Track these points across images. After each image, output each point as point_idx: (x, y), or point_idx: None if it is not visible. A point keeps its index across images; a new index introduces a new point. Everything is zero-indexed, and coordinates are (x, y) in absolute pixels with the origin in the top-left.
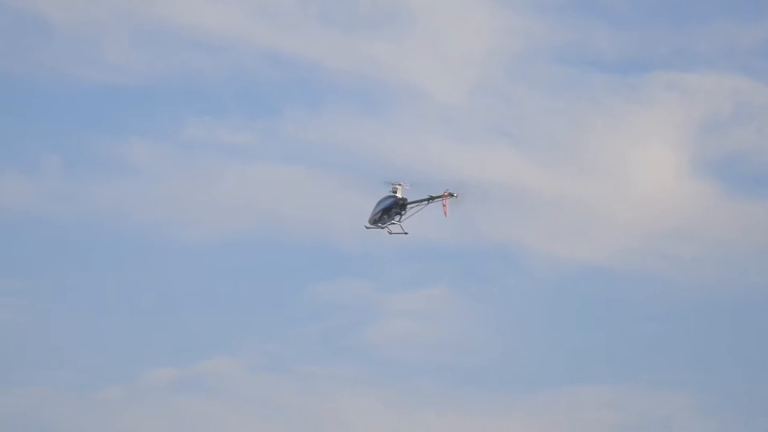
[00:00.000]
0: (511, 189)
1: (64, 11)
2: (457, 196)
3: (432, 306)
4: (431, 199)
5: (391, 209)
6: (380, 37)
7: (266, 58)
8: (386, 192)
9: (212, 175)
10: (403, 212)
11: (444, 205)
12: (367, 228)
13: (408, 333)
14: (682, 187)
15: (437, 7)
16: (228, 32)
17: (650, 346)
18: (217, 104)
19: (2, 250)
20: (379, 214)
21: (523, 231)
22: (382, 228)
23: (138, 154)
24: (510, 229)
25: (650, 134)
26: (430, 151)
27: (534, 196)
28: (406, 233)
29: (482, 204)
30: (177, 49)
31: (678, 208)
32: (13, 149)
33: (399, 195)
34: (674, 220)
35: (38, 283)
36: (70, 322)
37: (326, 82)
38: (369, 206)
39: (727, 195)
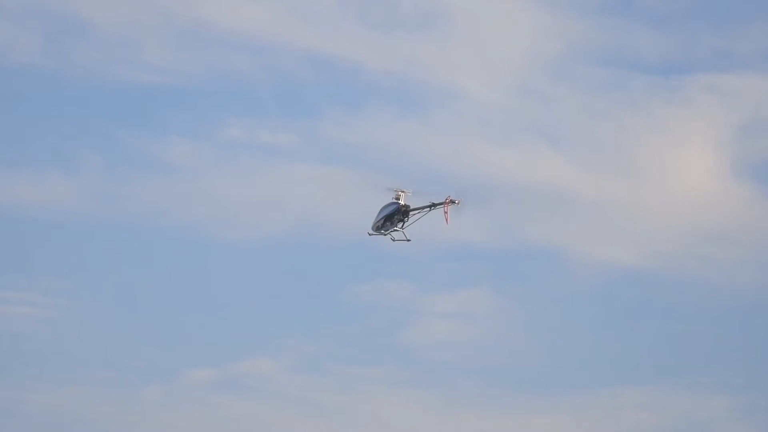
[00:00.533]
0: (550, 191)
1: (104, 12)
2: (458, 203)
3: (472, 307)
4: (433, 206)
5: (393, 216)
6: (420, 38)
7: (306, 59)
8: (389, 198)
9: (252, 175)
10: (405, 219)
11: (445, 212)
12: (369, 235)
13: (448, 334)
14: (722, 190)
15: (477, 8)
16: (268, 33)
17: (689, 349)
18: (257, 105)
19: (44, 250)
20: (381, 221)
21: (563, 233)
22: (385, 235)
23: (178, 153)
24: (550, 231)
25: (690, 136)
26: (470, 153)
27: (573, 198)
28: (408, 240)
29: (522, 205)
30: (217, 49)
31: (718, 210)
32: (54, 149)
33: (401, 202)
34: (714, 222)
35: (79, 282)
36: (111, 321)
37: (366, 83)
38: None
39: (766, 197)
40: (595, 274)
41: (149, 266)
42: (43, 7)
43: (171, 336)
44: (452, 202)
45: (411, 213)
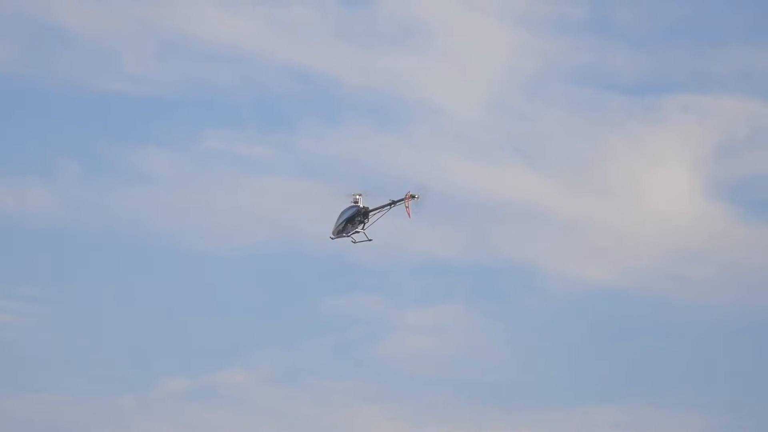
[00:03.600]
0: (525, 208)
1: (84, 21)
2: (418, 197)
3: (446, 322)
4: (393, 203)
5: (354, 218)
6: (398, 54)
7: (284, 72)
8: (348, 203)
9: (229, 186)
10: (366, 220)
11: (407, 207)
12: (332, 239)
13: (421, 348)
14: (697, 209)
15: (455, 25)
16: (246, 45)
17: (663, 367)
18: (234, 117)
19: (20, 257)
20: (342, 225)
21: (537, 250)
22: (347, 237)
23: (156, 164)
24: (524, 248)
25: (666, 156)
26: (445, 168)
27: (548, 215)
28: (370, 240)
29: (496, 221)
30: (196, 61)
31: (693, 229)
32: (32, 157)
33: (360, 204)
34: (689, 241)
35: (54, 290)
36: (86, 330)
37: (342, 96)
38: (383, 219)
39: (741, 218)
40: (568, 291)
41: (126, 276)
42: (23, 15)
43: (146, 345)
44: (412, 196)
45: (371, 213)
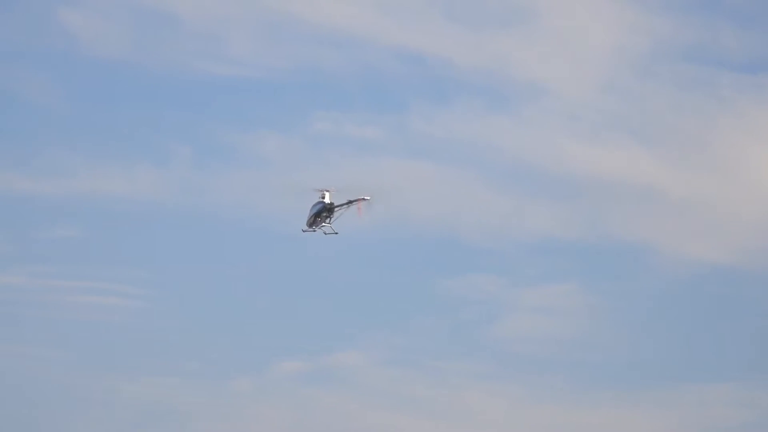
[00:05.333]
0: (639, 188)
1: (193, 7)
2: (369, 199)
3: (560, 302)
4: (350, 202)
5: (321, 213)
6: (508, 35)
7: (394, 54)
8: (317, 198)
9: (339, 168)
10: (331, 215)
11: (358, 208)
12: (303, 231)
13: (537, 329)
14: None
15: (564, 5)
16: (356, 28)
17: None
18: (344, 99)
19: (134, 241)
20: (312, 218)
21: (651, 229)
22: (316, 231)
23: (266, 146)
24: (638, 228)
25: None
26: (557, 148)
27: (662, 195)
28: (336, 233)
29: (610, 202)
30: (306, 44)
31: None
32: (145, 141)
33: (327, 200)
34: None
35: (169, 273)
36: (201, 313)
37: (453, 78)
38: (496, 200)
39: None
40: (683, 270)
41: (238, 258)
42: (133, 2)
43: (261, 328)
44: (363, 199)
45: (335, 209)
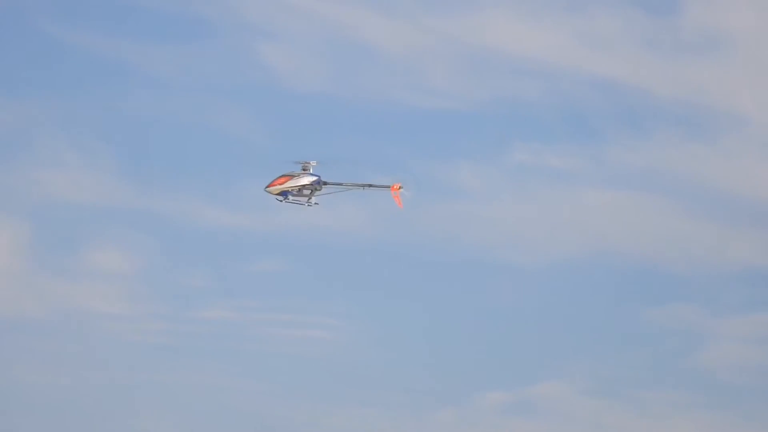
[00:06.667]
0: None
1: (391, 38)
2: (402, 188)
3: (765, 332)
4: (370, 186)
5: (310, 186)
6: (705, 63)
7: (591, 84)
8: (295, 168)
9: (541, 199)
10: (319, 189)
11: (396, 197)
12: (271, 193)
13: (741, 358)
14: None
15: (762, 32)
16: (552, 58)
17: None
18: (544, 129)
19: (337, 273)
20: (296, 189)
21: None
22: (290, 199)
23: (467, 177)
24: None
25: None
26: (757, 177)
27: None
28: (316, 204)
29: None
30: (502, 74)
31: None
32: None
33: (311, 172)
34: None
35: (368, 305)
36: (404, 344)
37: (651, 107)
38: (697, 229)
39: None
40: None
41: (441, 290)
42: (331, 34)
43: (463, 359)
44: (400, 187)
45: (326, 186)
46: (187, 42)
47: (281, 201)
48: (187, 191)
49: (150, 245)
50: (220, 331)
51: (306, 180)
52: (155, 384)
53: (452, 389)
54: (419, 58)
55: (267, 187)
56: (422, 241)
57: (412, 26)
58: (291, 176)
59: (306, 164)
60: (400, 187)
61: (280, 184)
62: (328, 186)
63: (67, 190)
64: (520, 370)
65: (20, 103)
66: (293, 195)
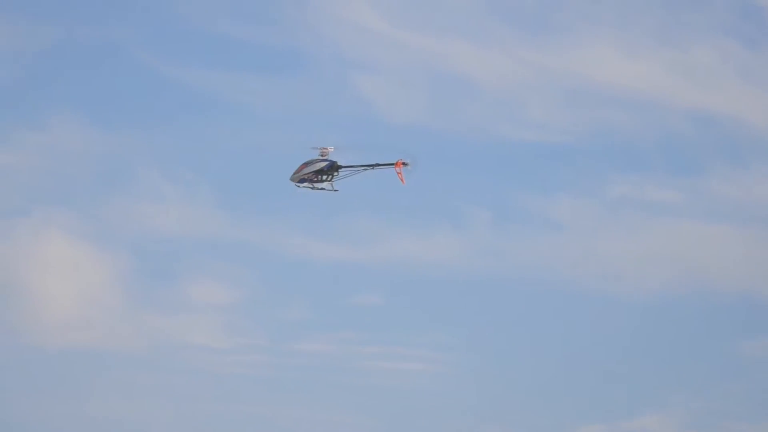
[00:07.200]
0: None
1: (488, 70)
2: (408, 165)
3: None
4: (377, 165)
5: (326, 170)
6: None
7: (688, 115)
8: (314, 154)
9: (639, 231)
10: (336, 173)
11: (399, 173)
12: (298, 186)
13: None
14: None
15: None
16: (650, 89)
17: None
18: (641, 162)
19: (431, 305)
20: (311, 174)
21: None
22: (309, 186)
23: (564, 210)
24: None
25: None
26: None
27: None
28: (336, 191)
29: None
30: (600, 106)
31: None
32: (441, 205)
33: (328, 158)
34: None
35: (465, 337)
36: (502, 377)
37: (750, 139)
38: None
39: None
40: None
41: (536, 322)
42: (427, 66)
43: (560, 392)
44: (403, 164)
45: (341, 169)
46: (282, 74)
47: (299, 187)
48: (284, 223)
49: (248, 277)
50: (319, 363)
51: (320, 165)
52: (254, 416)
53: (550, 423)
54: (516, 90)
55: (290, 177)
56: (519, 273)
57: (508, 58)
58: (309, 164)
59: (324, 150)
60: (404, 164)
61: (299, 172)
62: (344, 170)
63: (165, 222)
64: (617, 403)
65: (117, 136)
66: (313, 182)
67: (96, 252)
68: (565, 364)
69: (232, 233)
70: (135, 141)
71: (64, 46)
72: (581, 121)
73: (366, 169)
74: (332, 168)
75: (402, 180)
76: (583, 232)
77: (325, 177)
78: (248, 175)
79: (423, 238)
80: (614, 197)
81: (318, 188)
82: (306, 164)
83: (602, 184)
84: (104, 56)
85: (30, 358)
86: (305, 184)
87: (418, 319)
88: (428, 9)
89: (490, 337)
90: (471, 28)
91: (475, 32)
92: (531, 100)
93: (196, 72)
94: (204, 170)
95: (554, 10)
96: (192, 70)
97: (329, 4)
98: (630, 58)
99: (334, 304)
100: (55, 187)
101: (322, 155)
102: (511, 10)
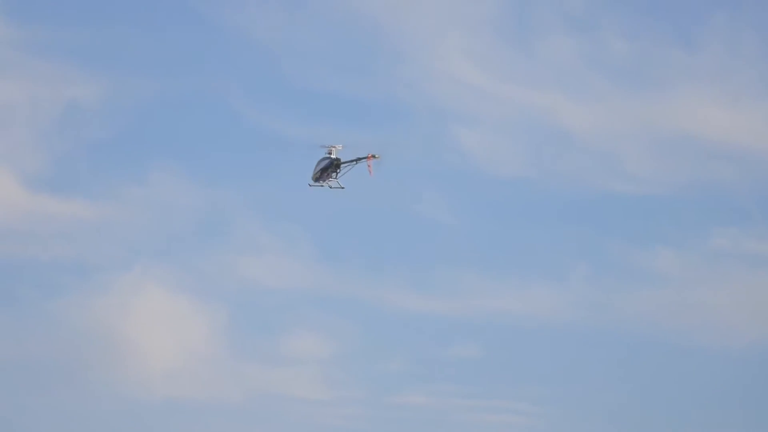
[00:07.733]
0: None
1: (586, 123)
2: (378, 158)
3: None
4: (358, 160)
5: (328, 169)
6: None
7: None
8: (323, 153)
9: (739, 284)
10: (338, 170)
11: (369, 166)
12: (310, 186)
13: None
14: None
15: None
16: (747, 140)
17: None
18: (741, 214)
19: (530, 358)
20: (319, 173)
21: None
22: (323, 186)
23: (664, 263)
24: None
25: None
26: None
27: None
28: (342, 188)
29: None
30: (697, 158)
31: None
32: (541, 259)
33: (333, 156)
34: None
35: (567, 391)
36: (599, 429)
37: None
38: None
39: None
40: None
41: (636, 377)
42: (526, 118)
43: None
44: (373, 156)
45: (342, 165)
46: (382, 127)
47: (312, 186)
48: (383, 275)
49: (346, 330)
50: (417, 416)
51: (323, 164)
52: None
53: None
54: (615, 142)
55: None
56: (618, 326)
57: (607, 110)
58: (317, 163)
59: (330, 148)
60: (373, 156)
61: (313, 173)
62: (344, 165)
63: (263, 274)
64: None
65: (216, 189)
66: (325, 180)
67: (196, 304)
68: (666, 418)
69: (331, 285)
70: (235, 193)
71: (165, 99)
72: (681, 173)
73: (354, 164)
74: (332, 165)
75: (371, 172)
76: (684, 284)
77: (333, 174)
78: (348, 228)
79: (522, 290)
80: (715, 249)
81: (333, 187)
82: (316, 164)
83: (703, 237)
84: (204, 109)
85: (131, 409)
86: (318, 183)
87: (515, 371)
88: (526, 62)
89: (591, 391)
90: (569, 81)
91: (573, 85)
92: (630, 152)
93: (296, 124)
94: (305, 222)
95: (652, 63)
96: (292, 122)
97: (426, 56)
98: (730, 110)
99: (432, 356)
100: (156, 241)
101: (328, 153)
102: (608, 63)
